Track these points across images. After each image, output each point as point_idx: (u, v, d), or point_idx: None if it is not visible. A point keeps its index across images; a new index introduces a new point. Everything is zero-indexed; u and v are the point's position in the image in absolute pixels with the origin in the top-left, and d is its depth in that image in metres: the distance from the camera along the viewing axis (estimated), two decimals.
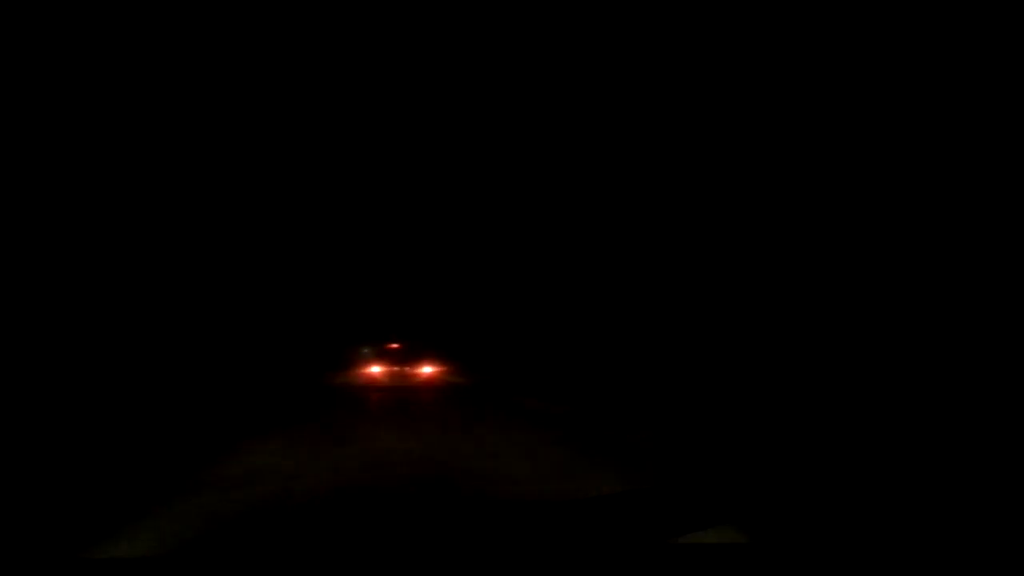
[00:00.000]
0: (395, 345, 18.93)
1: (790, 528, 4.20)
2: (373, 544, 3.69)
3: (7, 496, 4.76)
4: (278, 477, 5.62)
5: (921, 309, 10.66)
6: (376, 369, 18.39)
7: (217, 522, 4.19)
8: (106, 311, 15.07)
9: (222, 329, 21.59)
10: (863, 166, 12.26)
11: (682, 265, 17.74)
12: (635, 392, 13.47)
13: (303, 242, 29.61)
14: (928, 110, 11.01)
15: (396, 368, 18.21)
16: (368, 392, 15.16)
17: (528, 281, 25.82)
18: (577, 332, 22.14)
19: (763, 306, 14.39)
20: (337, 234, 30.81)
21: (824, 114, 13.05)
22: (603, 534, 4.00)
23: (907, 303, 10.97)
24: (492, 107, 23.42)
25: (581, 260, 22.93)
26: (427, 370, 18.41)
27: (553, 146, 22.26)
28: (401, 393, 14.79)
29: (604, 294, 21.27)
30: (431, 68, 22.50)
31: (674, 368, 15.46)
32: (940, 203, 10.76)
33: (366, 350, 20.26)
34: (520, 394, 14.93)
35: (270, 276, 27.56)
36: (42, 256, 13.51)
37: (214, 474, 5.69)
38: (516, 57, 20.84)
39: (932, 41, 10.85)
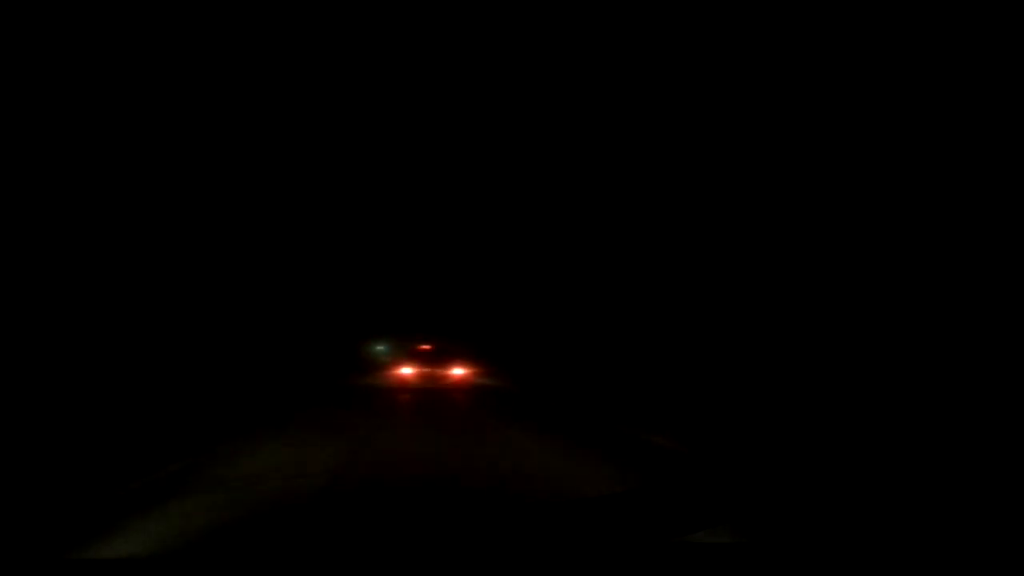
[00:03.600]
0: (426, 347, 18.66)
1: (790, 528, 4.20)
2: (375, 544, 3.69)
3: (6, 496, 4.75)
4: (289, 475, 5.62)
5: (921, 309, 10.65)
6: (407, 371, 18.19)
7: (221, 522, 4.18)
8: (119, 312, 15.08)
9: (247, 327, 21.58)
10: (863, 166, 12.25)
11: (685, 267, 17.75)
12: (635, 390, 13.47)
13: (335, 243, 29.65)
14: (928, 110, 11.01)
15: (427, 370, 17.94)
16: (398, 393, 15.03)
17: (540, 281, 25.87)
18: (585, 333, 22.15)
19: (764, 307, 14.39)
20: (369, 235, 30.90)
21: (824, 114, 13.05)
22: (603, 534, 4.00)
23: (907, 303, 10.97)
24: (530, 110, 23.54)
25: (585, 263, 22.98)
26: (458, 372, 18.19)
27: (587, 152, 22.30)
28: (431, 395, 14.70)
29: (610, 297, 21.30)
30: (467, 67, 22.62)
31: (676, 369, 15.45)
32: (940, 203, 10.75)
33: (389, 348, 20.08)
34: (539, 395, 14.99)
35: (300, 277, 27.62)
36: (50, 257, 13.51)
37: (226, 474, 5.68)
38: (544, 60, 20.96)
39: (932, 41, 10.85)
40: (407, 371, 18.21)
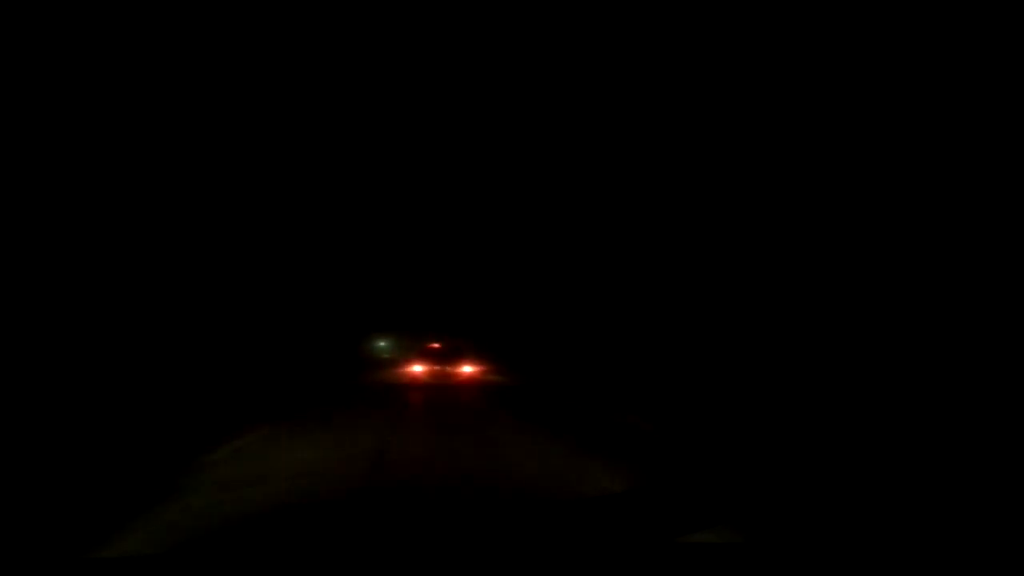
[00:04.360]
0: (435, 344, 19.11)
1: (790, 528, 4.20)
2: (377, 544, 3.69)
3: (7, 496, 4.76)
4: (293, 476, 5.63)
5: (920, 309, 10.65)
6: (417, 368, 18.50)
7: (224, 521, 4.18)
8: (122, 312, 15.07)
9: (246, 322, 21.56)
10: (863, 166, 12.25)
11: (685, 267, 17.76)
12: (637, 390, 13.47)
13: (338, 239, 29.62)
14: (928, 110, 11.00)
15: (437, 367, 18.25)
16: (410, 392, 15.22)
17: (545, 278, 25.91)
18: (590, 330, 22.18)
19: (763, 307, 14.39)
20: (373, 232, 30.89)
21: (824, 114, 13.05)
22: (603, 534, 4.00)
23: (906, 303, 10.96)
24: (534, 109, 23.60)
25: (589, 261, 23.01)
26: (468, 369, 18.48)
27: (596, 152, 22.35)
28: (442, 392, 14.95)
29: (614, 294, 21.32)
30: (472, 65, 22.70)
31: (675, 368, 15.46)
32: (940, 203, 10.75)
33: (393, 345, 20.80)
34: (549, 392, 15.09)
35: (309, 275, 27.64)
36: (47, 256, 13.50)
37: (229, 474, 5.67)
38: (545, 59, 21.02)
39: (932, 41, 10.84)
40: (417, 369, 18.42)
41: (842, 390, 10.05)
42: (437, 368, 18.28)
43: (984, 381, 8.69)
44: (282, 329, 24.03)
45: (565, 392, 15.23)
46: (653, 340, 18.26)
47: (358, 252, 30.92)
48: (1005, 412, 7.57)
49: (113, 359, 13.50)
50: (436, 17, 20.59)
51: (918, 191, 11.13)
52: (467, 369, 18.51)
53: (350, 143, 27.19)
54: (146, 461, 6.23)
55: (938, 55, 10.77)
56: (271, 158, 23.45)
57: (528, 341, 24.73)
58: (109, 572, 2.53)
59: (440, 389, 15.71)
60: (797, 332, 12.96)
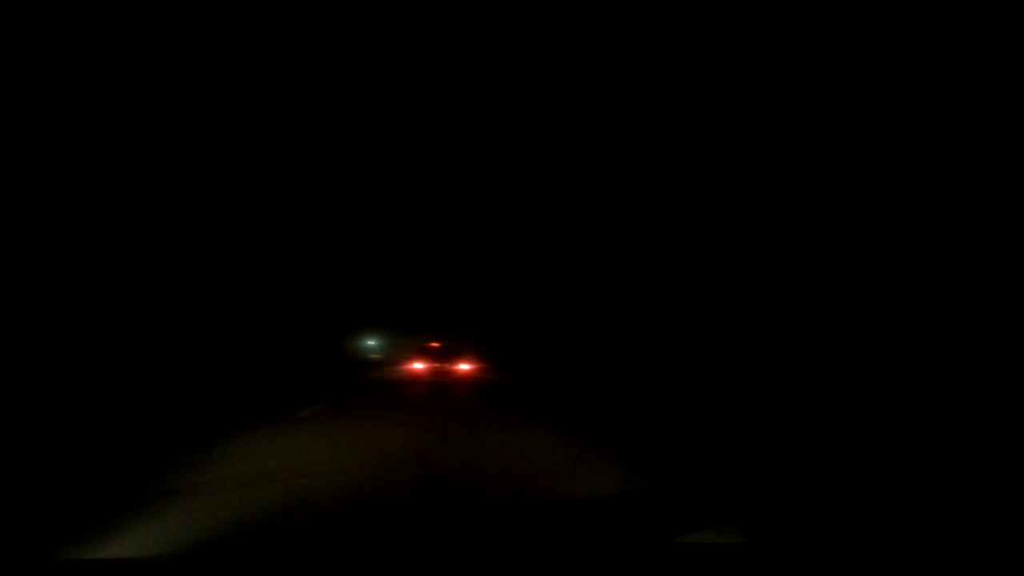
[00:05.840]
0: (434, 344, 20.45)
1: (790, 528, 4.19)
2: (372, 545, 3.68)
3: (4, 495, 4.74)
4: (293, 474, 5.61)
5: (920, 310, 10.64)
6: (417, 366, 19.78)
7: (225, 523, 4.16)
8: (108, 306, 15.05)
9: (232, 319, 21.67)
10: (863, 167, 12.24)
11: (685, 267, 17.76)
12: (637, 391, 13.45)
13: (330, 236, 29.64)
14: (928, 110, 10.99)
15: (436, 365, 19.47)
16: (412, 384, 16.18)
17: (539, 277, 25.99)
18: (585, 330, 22.29)
19: (764, 308, 14.38)
20: (371, 230, 30.95)
21: (824, 115, 13.04)
22: (603, 534, 3.99)
23: (906, 304, 10.95)
24: (532, 110, 23.72)
25: (586, 261, 23.04)
26: (465, 368, 19.69)
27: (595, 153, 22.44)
28: (441, 388, 15.85)
29: (613, 295, 21.41)
30: (470, 64, 22.81)
31: (675, 369, 15.44)
32: (940, 203, 10.74)
33: (383, 344, 23.02)
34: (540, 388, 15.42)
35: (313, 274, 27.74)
36: (47, 256, 13.48)
37: (225, 473, 5.66)
38: (545, 58, 21.12)
39: (932, 41, 10.84)
40: (417, 366, 19.69)
41: (843, 391, 10.04)
42: (436, 366, 19.38)
43: (984, 382, 8.68)
44: (265, 325, 24.21)
45: (559, 389, 15.35)
46: (652, 339, 18.26)
47: (348, 247, 30.96)
48: (1005, 413, 7.56)
49: (103, 355, 13.49)
50: (435, 16, 20.61)
51: (918, 191, 11.12)
52: (465, 367, 19.69)
53: (341, 134, 27.27)
54: (140, 461, 6.21)
55: (938, 55, 10.76)
56: (259, 148, 23.50)
57: (524, 339, 24.96)
58: (109, 572, 2.52)
59: (441, 386, 16.52)
60: (799, 333, 12.95)
